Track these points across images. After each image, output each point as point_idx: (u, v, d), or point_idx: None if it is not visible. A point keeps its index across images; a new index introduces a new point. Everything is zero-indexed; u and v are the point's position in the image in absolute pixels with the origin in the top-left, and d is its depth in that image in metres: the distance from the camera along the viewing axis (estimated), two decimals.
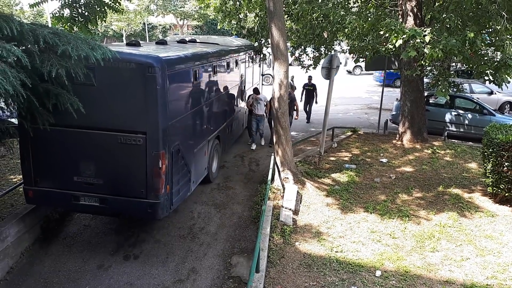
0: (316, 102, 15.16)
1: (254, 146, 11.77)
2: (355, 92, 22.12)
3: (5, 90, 3.82)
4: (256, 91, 11.47)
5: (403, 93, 12.02)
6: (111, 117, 5.92)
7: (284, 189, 8.33)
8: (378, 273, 6.06)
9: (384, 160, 10.66)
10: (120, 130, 5.91)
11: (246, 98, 12.27)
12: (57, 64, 4.67)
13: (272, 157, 8.95)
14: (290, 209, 7.68)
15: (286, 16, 12.09)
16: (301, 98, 14.99)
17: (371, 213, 7.83)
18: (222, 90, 9.30)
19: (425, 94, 12.56)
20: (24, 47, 4.61)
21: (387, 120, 13.80)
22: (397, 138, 12.34)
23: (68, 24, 8.75)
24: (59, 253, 6.69)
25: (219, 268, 6.37)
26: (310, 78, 15.02)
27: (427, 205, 8.23)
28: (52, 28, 5.16)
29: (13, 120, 6.74)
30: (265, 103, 11.31)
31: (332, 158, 10.78)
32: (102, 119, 5.93)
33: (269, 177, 8.12)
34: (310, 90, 15.05)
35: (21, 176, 7.31)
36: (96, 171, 6.11)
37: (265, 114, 11.45)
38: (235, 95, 10.92)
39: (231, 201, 8.50)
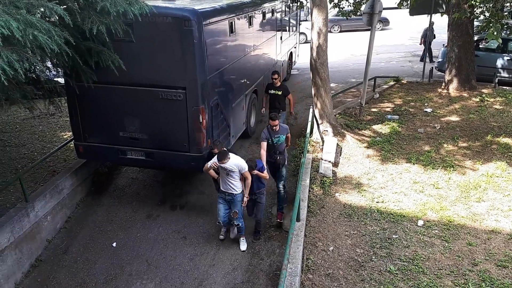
0: (291, 113, 8.79)
1: (223, 235, 6.22)
2: (398, 39, 21.03)
3: (50, 49, 3.91)
4: (221, 155, 5.43)
5: (450, 38, 11.29)
6: (152, 73, 6.00)
7: (323, 142, 8.28)
8: (420, 222, 6.03)
9: (429, 110, 10.26)
10: (160, 85, 6.01)
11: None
12: (97, 21, 4.71)
13: (311, 109, 8.84)
14: (329, 161, 7.66)
15: None
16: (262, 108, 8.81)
17: (414, 164, 7.67)
18: (258, 42, 9.11)
19: (475, 38, 11.72)
20: (65, 6, 4.67)
21: (432, 67, 13.10)
22: (442, 87, 11.76)
23: None
24: (110, 204, 7.14)
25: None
26: (276, 75, 8.24)
27: (474, 155, 7.94)
28: None
29: (58, 79, 7.01)
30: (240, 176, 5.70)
31: (373, 109, 10.51)
32: (143, 75, 6.02)
33: (308, 130, 8.07)
34: (276, 96, 8.29)
35: (70, 133, 7.71)
36: (141, 126, 6.31)
37: (243, 193, 5.79)
38: (272, 47, 10.68)
39: None
